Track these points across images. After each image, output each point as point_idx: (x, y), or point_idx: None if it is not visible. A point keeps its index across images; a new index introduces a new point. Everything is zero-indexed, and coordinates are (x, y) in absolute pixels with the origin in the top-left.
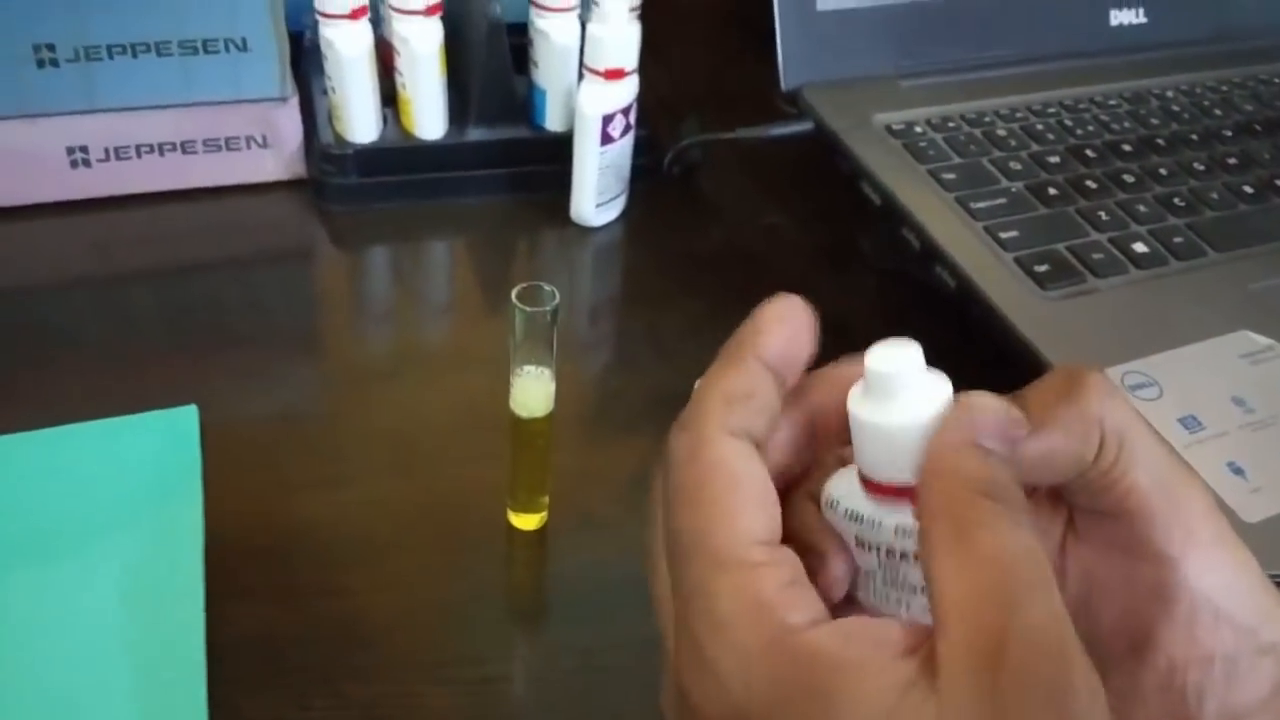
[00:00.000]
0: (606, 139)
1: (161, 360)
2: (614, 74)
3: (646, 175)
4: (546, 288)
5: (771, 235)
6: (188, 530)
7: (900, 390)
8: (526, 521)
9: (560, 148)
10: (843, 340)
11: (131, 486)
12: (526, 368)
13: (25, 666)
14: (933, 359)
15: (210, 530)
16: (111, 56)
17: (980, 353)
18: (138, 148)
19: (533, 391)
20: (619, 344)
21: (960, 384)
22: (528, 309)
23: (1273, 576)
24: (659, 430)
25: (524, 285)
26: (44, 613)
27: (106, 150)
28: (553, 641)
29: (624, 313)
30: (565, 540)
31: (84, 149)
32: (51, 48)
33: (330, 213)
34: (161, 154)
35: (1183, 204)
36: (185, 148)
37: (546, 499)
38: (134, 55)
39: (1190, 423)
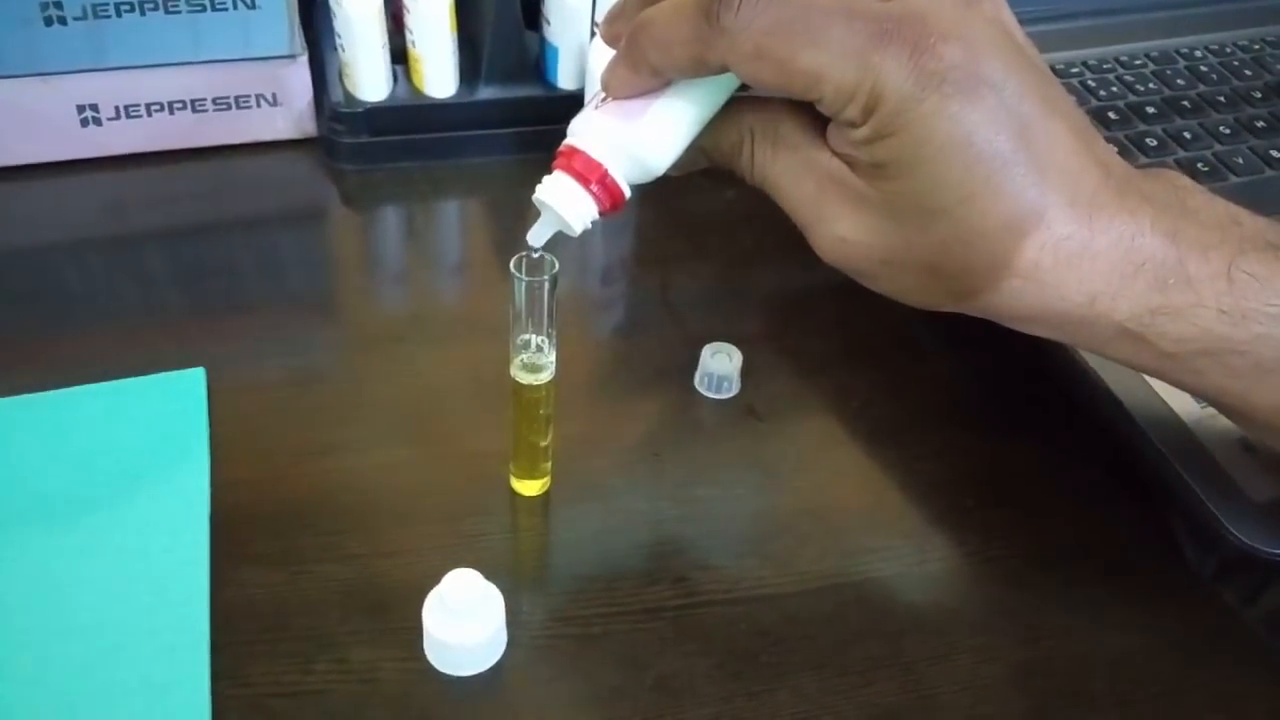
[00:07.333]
0: None
1: (170, 320)
2: None
3: None
4: (546, 256)
5: None
6: (194, 493)
7: None
8: (529, 487)
9: (572, 106)
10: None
11: (137, 449)
12: (527, 335)
13: (27, 629)
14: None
15: (217, 494)
16: (120, 14)
17: None
18: (148, 106)
19: (533, 359)
20: (628, 306)
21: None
22: (526, 278)
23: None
24: (667, 395)
25: (523, 253)
26: (47, 575)
27: (117, 109)
28: (553, 608)
29: (634, 274)
30: (568, 506)
31: (94, 107)
32: (60, 5)
33: (340, 171)
34: (171, 112)
35: (1206, 169)
36: (195, 106)
37: (549, 465)
38: (142, 13)
39: None
